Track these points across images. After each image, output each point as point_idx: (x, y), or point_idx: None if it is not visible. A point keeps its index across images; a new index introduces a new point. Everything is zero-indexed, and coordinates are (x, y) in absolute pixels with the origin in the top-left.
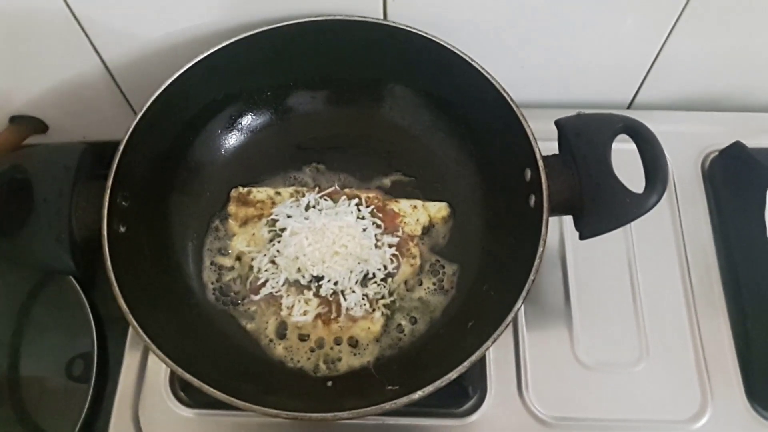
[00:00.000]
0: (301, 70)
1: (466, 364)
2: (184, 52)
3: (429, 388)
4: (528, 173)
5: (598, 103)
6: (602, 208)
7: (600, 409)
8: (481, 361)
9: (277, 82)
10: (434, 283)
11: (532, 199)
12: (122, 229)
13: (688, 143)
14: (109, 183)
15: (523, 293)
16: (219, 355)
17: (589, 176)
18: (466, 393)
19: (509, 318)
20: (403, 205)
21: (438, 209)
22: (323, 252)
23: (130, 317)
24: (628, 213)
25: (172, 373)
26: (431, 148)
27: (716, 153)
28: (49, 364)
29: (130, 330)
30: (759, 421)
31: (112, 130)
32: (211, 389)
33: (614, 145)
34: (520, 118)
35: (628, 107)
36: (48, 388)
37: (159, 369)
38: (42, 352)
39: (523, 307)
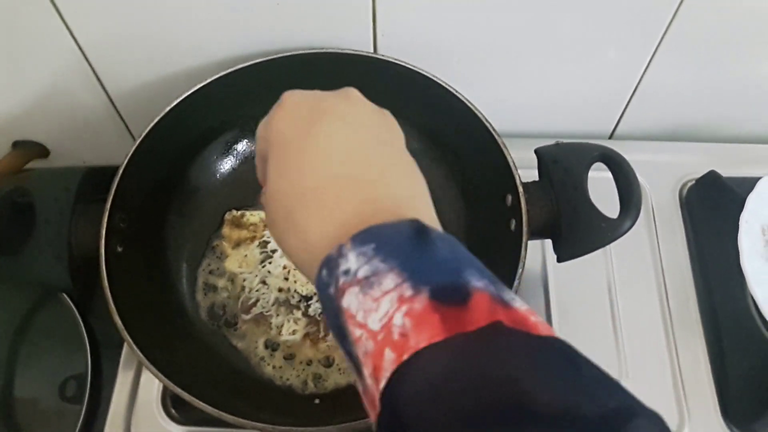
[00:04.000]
0: None
1: None
2: (184, 82)
3: None
4: (509, 199)
5: (580, 133)
6: (579, 232)
7: None
8: None
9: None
10: None
11: (513, 224)
12: (119, 249)
13: (666, 172)
14: (108, 205)
15: None
16: (210, 372)
17: (566, 202)
18: None
19: None
20: None
21: None
22: None
23: (124, 333)
24: (603, 237)
25: (164, 391)
26: None
27: (693, 182)
28: (43, 385)
29: (124, 349)
30: None
31: (112, 155)
32: (202, 403)
33: (591, 173)
34: (502, 146)
35: (610, 137)
36: (41, 409)
37: (151, 387)
38: (36, 373)
39: None
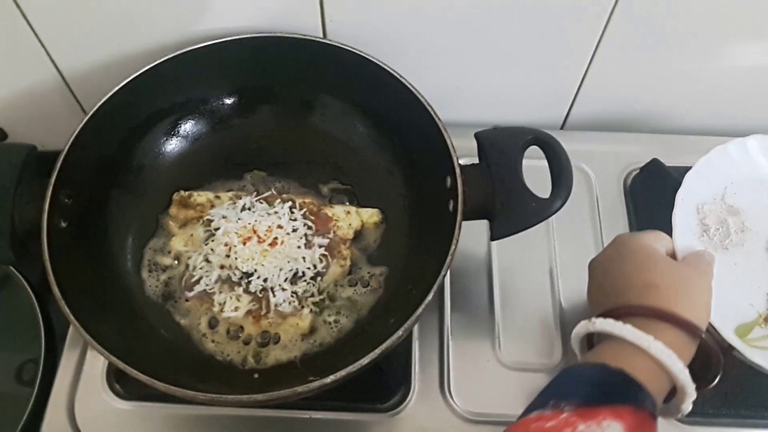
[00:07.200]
0: (244, 82)
1: (377, 351)
2: (137, 63)
3: (341, 373)
4: (448, 181)
5: (533, 124)
6: (512, 211)
7: (518, 406)
8: (407, 361)
9: (221, 93)
10: (363, 284)
11: (451, 204)
12: (63, 224)
13: (612, 161)
14: (52, 180)
15: (434, 288)
16: (153, 347)
17: (501, 182)
18: (391, 389)
19: (419, 310)
20: (336, 210)
21: (370, 215)
22: (253, 250)
23: (62, 303)
24: (533, 216)
25: (109, 367)
26: (366, 158)
27: (637, 171)
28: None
29: (71, 327)
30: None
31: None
32: (142, 375)
33: (533, 162)
34: (442, 130)
35: (561, 128)
36: None
37: (96, 363)
38: None
39: (449, 310)
